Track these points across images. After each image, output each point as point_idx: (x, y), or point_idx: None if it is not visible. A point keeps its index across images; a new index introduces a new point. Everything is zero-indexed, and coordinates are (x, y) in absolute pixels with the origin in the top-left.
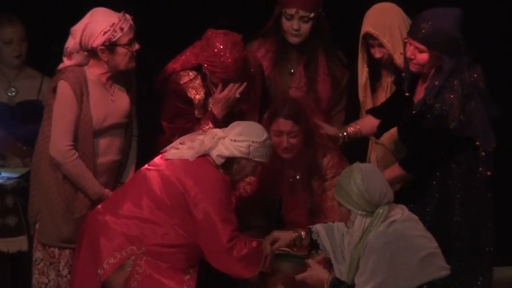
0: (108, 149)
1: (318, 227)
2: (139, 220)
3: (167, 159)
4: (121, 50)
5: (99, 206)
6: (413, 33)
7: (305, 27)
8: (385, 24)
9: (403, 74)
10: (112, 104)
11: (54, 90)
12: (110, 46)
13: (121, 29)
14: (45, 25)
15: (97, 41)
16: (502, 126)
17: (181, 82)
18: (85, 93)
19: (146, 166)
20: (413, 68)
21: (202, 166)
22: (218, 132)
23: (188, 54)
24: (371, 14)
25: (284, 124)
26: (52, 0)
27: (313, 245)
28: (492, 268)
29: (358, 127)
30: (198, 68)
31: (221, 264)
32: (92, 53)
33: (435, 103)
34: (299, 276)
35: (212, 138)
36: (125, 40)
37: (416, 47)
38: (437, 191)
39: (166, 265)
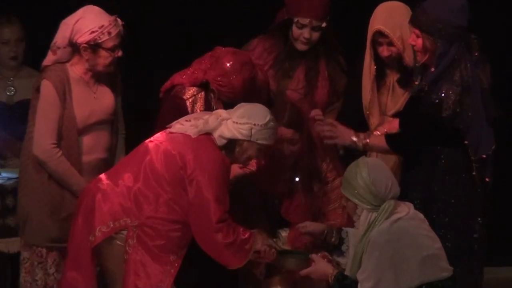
0: (93, 147)
1: (349, 230)
2: (136, 190)
3: (170, 133)
4: (103, 53)
5: (102, 175)
6: (411, 19)
7: (316, 35)
8: (396, 23)
9: (417, 64)
10: (95, 101)
11: (37, 89)
12: (94, 46)
13: (109, 33)
14: (44, 23)
15: (82, 38)
16: (502, 124)
17: (184, 97)
18: (68, 92)
19: (149, 139)
20: (418, 57)
21: (203, 144)
22: (223, 113)
23: (195, 69)
24: (380, 12)
25: (285, 132)
26: None
27: (338, 245)
28: (482, 271)
29: (385, 129)
30: (205, 84)
31: (207, 244)
32: (75, 48)
33: (432, 91)
34: (303, 271)
35: (216, 119)
36: (109, 44)
37: (415, 33)
38: (423, 186)
39: (155, 242)
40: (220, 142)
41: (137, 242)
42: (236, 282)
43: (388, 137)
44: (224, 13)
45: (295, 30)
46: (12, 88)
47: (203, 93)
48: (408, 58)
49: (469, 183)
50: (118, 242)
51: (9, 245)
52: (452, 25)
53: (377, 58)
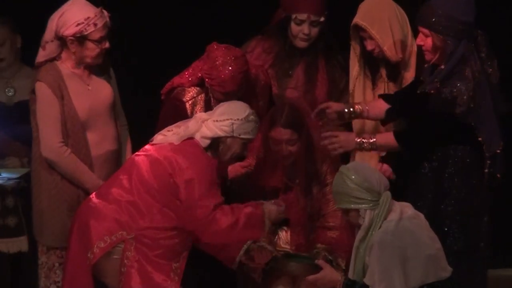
0: (101, 141)
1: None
2: (129, 204)
3: (154, 144)
4: (90, 45)
5: (92, 194)
6: (418, 19)
7: (315, 31)
8: (374, 16)
9: (425, 65)
10: (91, 93)
11: (33, 92)
12: (80, 38)
13: (95, 24)
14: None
15: (69, 31)
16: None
17: (184, 99)
18: (64, 88)
19: (136, 153)
20: (426, 56)
21: (187, 147)
22: (203, 115)
23: (194, 68)
24: (362, 6)
25: (283, 133)
26: None
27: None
28: (486, 270)
29: (367, 107)
30: (203, 83)
31: (212, 239)
32: (63, 42)
33: (443, 87)
34: (311, 277)
35: (197, 122)
36: (96, 36)
37: (423, 33)
38: (432, 183)
39: (155, 252)
40: (204, 143)
41: (136, 254)
42: (235, 285)
43: (397, 134)
44: (224, 14)
45: (293, 27)
46: (11, 88)
47: (203, 95)
48: (389, 52)
49: (479, 181)
50: (116, 256)
51: (9, 245)
52: (460, 22)
53: (368, 52)
